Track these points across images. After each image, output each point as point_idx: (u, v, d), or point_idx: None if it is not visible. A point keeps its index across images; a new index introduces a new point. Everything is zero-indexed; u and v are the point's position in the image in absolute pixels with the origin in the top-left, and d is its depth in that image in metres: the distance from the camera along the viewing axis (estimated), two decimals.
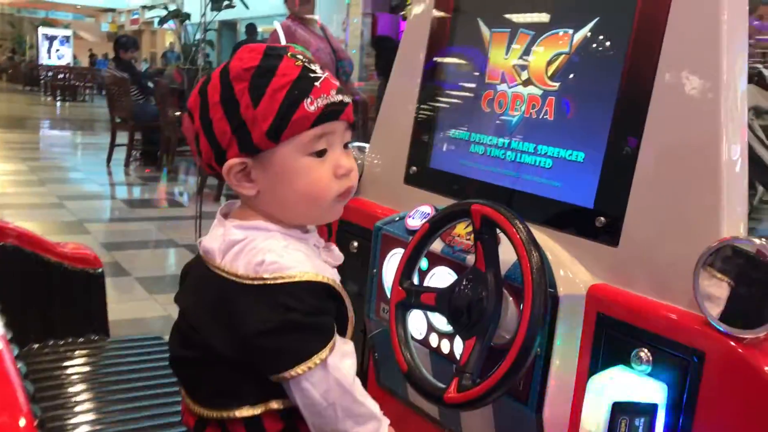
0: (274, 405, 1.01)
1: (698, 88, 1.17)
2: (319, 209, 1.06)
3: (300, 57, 1.03)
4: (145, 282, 4.36)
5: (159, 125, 8.23)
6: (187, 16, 12.77)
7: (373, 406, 1.04)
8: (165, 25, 14.49)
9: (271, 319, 0.96)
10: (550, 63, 1.39)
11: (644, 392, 1.13)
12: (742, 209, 1.16)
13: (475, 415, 1.44)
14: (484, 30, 1.53)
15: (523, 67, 1.44)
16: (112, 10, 28.92)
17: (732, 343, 1.06)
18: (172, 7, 13.04)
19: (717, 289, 1.08)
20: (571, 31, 1.35)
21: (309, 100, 0.99)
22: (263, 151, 1.01)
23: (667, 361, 1.13)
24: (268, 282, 0.97)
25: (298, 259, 1.00)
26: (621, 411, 1.12)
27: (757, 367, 1.04)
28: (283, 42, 5.39)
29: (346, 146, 1.07)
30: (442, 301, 1.33)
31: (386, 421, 1.07)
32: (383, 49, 6.94)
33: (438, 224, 1.38)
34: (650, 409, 1.12)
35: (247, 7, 11.70)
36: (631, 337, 1.19)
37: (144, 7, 21.30)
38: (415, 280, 1.42)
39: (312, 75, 1.01)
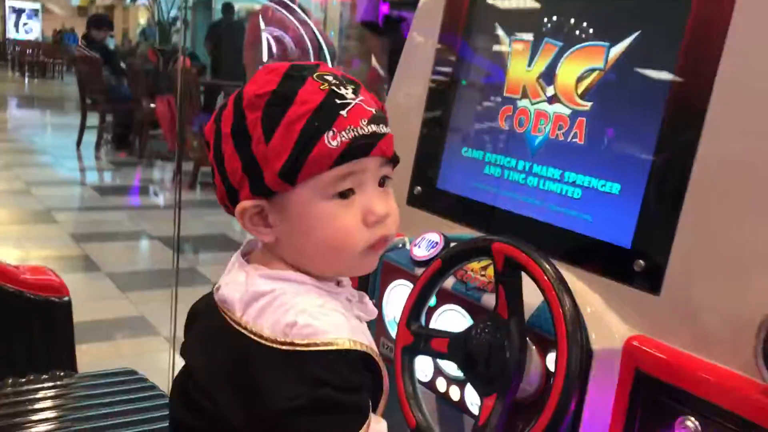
0: None
1: (765, 112, 1.02)
2: (344, 263, 0.89)
3: (329, 78, 0.84)
4: (116, 278, 4.17)
5: (131, 107, 7.98)
6: None
7: None
8: (138, 1, 14.14)
9: (300, 394, 0.79)
10: (580, 80, 1.23)
11: None
12: None
13: None
14: (503, 37, 1.37)
15: (549, 82, 1.27)
16: None
17: None
18: None
19: None
20: (606, 45, 1.19)
21: (331, 133, 0.81)
22: (277, 193, 0.85)
23: None
24: (299, 349, 0.81)
25: (336, 322, 0.83)
26: None
27: None
28: (262, 25, 5.18)
29: (382, 183, 0.88)
30: (455, 348, 1.18)
31: None
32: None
33: (452, 261, 1.22)
34: None
35: None
36: (675, 402, 1.04)
37: None
38: (422, 320, 1.27)
39: (339, 102, 0.83)
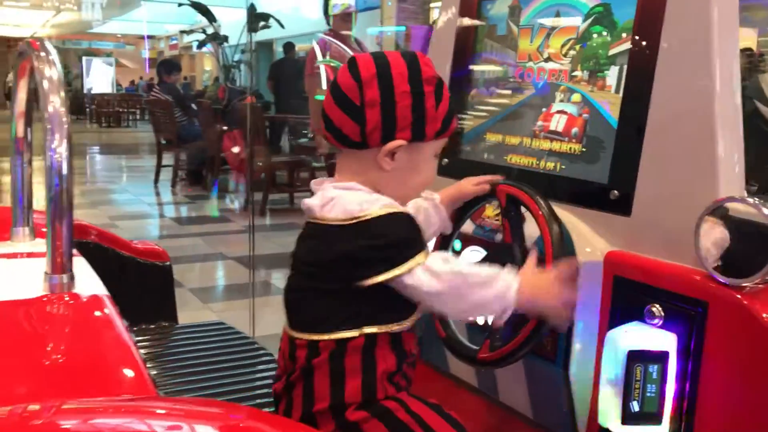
0: (367, 330, 1.20)
1: (694, 75, 1.31)
2: (415, 195, 1.38)
3: None
4: (198, 293, 4.57)
5: (203, 145, 8.51)
6: (225, 38, 13.13)
7: (490, 270, 1.24)
8: (203, 49, 14.91)
9: (372, 239, 1.17)
10: (563, 46, 1.60)
11: (656, 342, 1.26)
12: (739, 177, 1.29)
13: (509, 377, 1.58)
14: (513, 26, 1.73)
15: (545, 49, 1.66)
16: (152, 37, 29.70)
17: (734, 294, 1.19)
18: (209, 31, 13.41)
19: (716, 245, 1.21)
20: (578, 24, 1.54)
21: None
22: (421, 142, 1.24)
23: (676, 314, 1.27)
24: (362, 219, 1.18)
25: (386, 202, 1.21)
26: (636, 359, 1.25)
27: (755, 312, 1.17)
28: (320, 57, 5.61)
29: None
30: None
31: (517, 278, 1.25)
32: None
33: (468, 205, 1.53)
34: (662, 357, 1.26)
35: (282, 26, 12.00)
36: (644, 295, 1.32)
37: (182, 32, 21.89)
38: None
39: None
